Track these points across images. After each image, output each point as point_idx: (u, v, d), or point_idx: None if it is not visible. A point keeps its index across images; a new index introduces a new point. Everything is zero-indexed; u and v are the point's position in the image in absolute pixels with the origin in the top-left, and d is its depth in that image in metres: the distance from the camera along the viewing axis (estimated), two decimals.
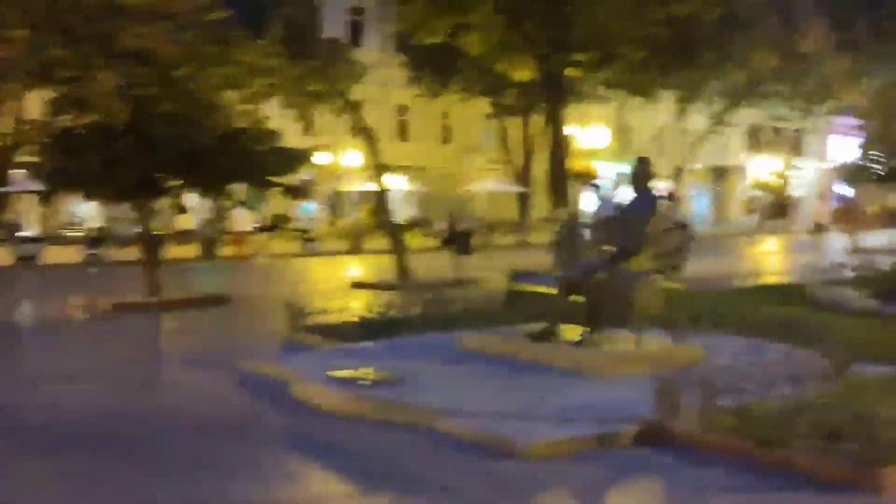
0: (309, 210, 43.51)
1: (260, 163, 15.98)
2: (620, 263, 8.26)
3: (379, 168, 20.00)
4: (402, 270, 19.42)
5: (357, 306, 12.60)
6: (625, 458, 6.30)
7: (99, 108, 16.20)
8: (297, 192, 17.40)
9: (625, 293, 8.15)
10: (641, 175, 8.54)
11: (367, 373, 8.24)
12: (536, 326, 8.99)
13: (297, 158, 17.14)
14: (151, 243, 17.21)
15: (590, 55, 19.97)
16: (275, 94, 27.46)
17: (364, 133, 20.48)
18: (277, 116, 30.17)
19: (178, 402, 8.37)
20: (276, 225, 34.36)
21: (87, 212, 37.30)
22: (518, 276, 9.57)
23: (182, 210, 18.16)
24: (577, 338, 8.47)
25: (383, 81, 41.10)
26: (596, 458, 6.25)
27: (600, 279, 8.27)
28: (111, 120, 16.29)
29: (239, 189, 18.60)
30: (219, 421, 7.62)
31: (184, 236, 32.00)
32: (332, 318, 11.92)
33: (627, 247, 8.27)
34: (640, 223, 8.29)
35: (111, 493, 5.82)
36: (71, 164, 16.02)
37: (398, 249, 19.97)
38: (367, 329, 11.01)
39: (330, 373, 8.29)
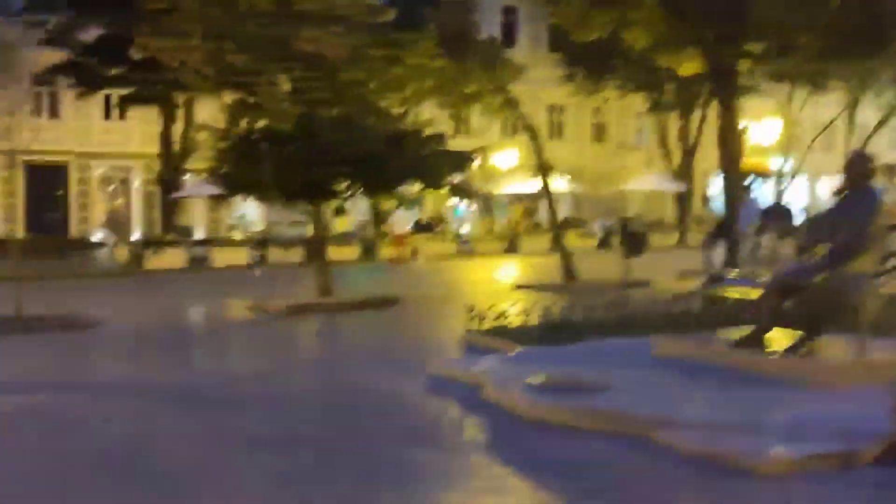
0: (461, 212, 43.67)
1: (431, 164, 15.96)
2: (841, 265, 7.61)
3: (543, 167, 19.67)
4: (568, 272, 19.03)
5: (527, 309, 12.24)
6: (869, 478, 5.72)
7: (272, 112, 16.55)
8: (466, 192, 17.27)
9: (846, 297, 7.51)
10: (860, 171, 7.86)
11: (565, 378, 7.90)
12: (740, 332, 8.42)
13: (463, 159, 17.05)
14: (321, 245, 17.47)
15: (765, 45, 18.98)
16: (433, 95, 27.66)
17: (528, 131, 20.19)
18: (431, 118, 30.45)
19: (372, 406, 8.26)
20: (431, 226, 34.54)
21: (250, 215, 38.60)
22: (716, 278, 9.03)
23: (341, 212, 18.42)
24: (791, 345, 7.87)
25: (536, 81, 40.77)
26: (836, 479, 5.70)
27: (819, 282, 7.65)
28: (283, 124, 16.65)
29: (402, 191, 18.68)
30: (418, 427, 7.45)
31: (343, 238, 32.60)
32: (508, 321, 11.67)
33: (848, 247, 7.61)
34: (861, 222, 7.62)
35: (314, 500, 5.70)
36: (246, 168, 16.46)
37: (562, 250, 19.58)
38: (548, 332, 10.70)
39: (526, 378, 8.00)
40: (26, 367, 10.79)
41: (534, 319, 11.59)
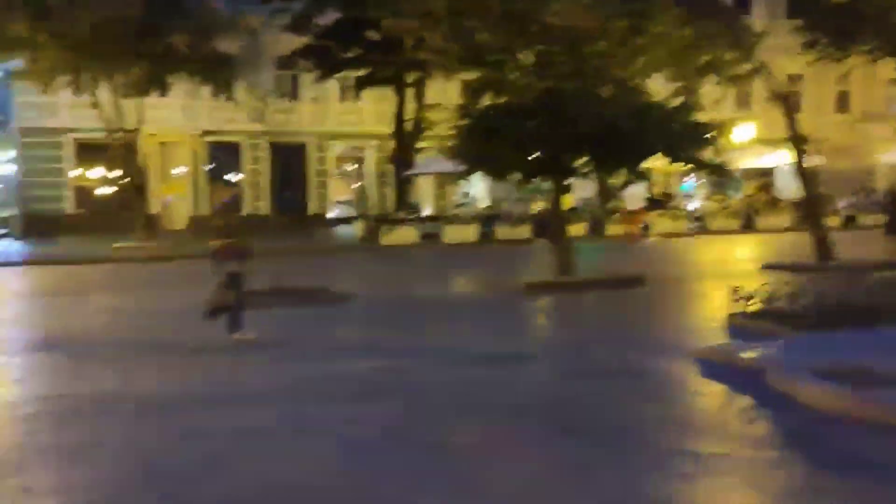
0: (689, 187, 42.17)
1: (677, 138, 15.27)
2: None
3: (796, 139, 18.41)
4: (823, 251, 17.75)
5: (793, 291, 11.39)
6: None
7: (513, 88, 16.41)
8: (715, 168, 16.39)
9: None
10: None
11: (861, 369, 7.20)
12: None
13: (710, 132, 16.20)
14: (560, 223, 17.19)
15: None
16: (664, 66, 26.61)
17: (781, 100, 18.97)
18: (660, 91, 29.36)
19: (644, 391, 7.88)
20: (662, 203, 33.51)
21: (476, 192, 38.98)
22: None
23: (566, 189, 17.96)
24: None
25: (772, 49, 38.48)
26: None
27: None
28: (523, 100, 16.48)
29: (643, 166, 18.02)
30: (697, 415, 7.04)
31: (569, 215, 32.17)
32: (775, 304, 10.90)
33: None
34: None
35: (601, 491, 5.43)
36: (486, 145, 16.40)
37: (817, 228, 18.27)
38: (825, 317, 9.88)
39: (813, 366, 7.37)
40: (320, 336, 11.17)
41: (801, 302, 10.77)
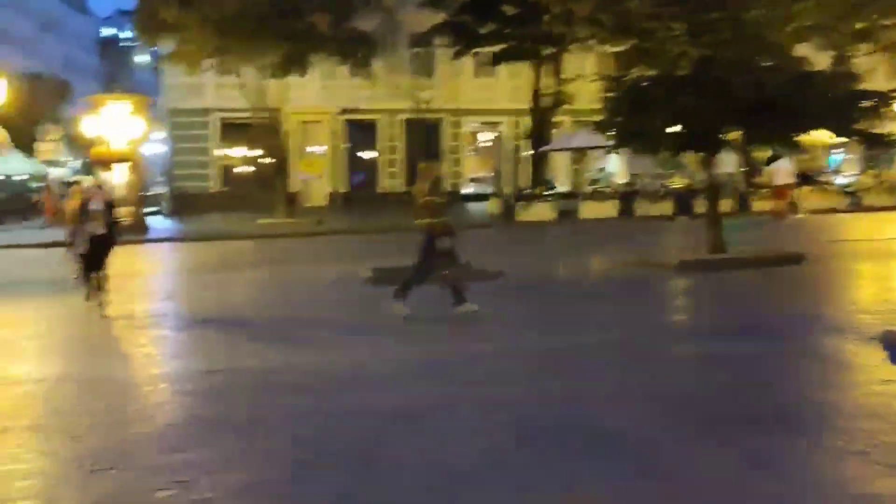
0: (836, 161, 40.24)
1: (842, 108, 14.31)
2: None
3: None
4: None
5: None
6: None
7: (665, 58, 15.78)
8: (885, 142, 15.28)
9: None
10: None
11: None
12: None
13: (879, 102, 15.11)
14: (714, 197, 16.47)
15: None
16: (821, 33, 25.25)
17: None
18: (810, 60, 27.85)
19: (837, 379, 7.32)
20: (812, 177, 31.94)
21: (611, 168, 38.20)
22: None
23: (717, 163, 17.19)
24: None
25: None
26: None
27: None
28: (675, 71, 15.82)
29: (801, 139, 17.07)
30: None
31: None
32: None
33: None
34: None
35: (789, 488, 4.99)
36: (637, 118, 15.81)
37: None
38: None
39: None
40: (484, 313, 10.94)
41: None
